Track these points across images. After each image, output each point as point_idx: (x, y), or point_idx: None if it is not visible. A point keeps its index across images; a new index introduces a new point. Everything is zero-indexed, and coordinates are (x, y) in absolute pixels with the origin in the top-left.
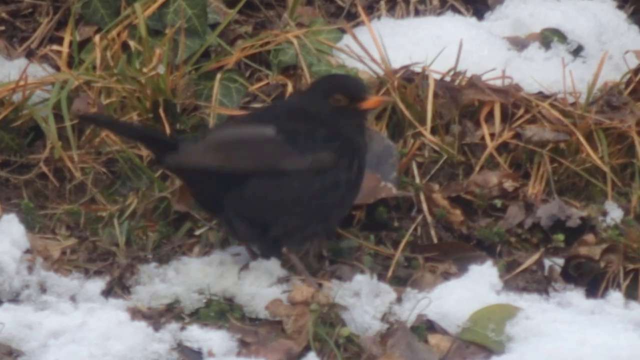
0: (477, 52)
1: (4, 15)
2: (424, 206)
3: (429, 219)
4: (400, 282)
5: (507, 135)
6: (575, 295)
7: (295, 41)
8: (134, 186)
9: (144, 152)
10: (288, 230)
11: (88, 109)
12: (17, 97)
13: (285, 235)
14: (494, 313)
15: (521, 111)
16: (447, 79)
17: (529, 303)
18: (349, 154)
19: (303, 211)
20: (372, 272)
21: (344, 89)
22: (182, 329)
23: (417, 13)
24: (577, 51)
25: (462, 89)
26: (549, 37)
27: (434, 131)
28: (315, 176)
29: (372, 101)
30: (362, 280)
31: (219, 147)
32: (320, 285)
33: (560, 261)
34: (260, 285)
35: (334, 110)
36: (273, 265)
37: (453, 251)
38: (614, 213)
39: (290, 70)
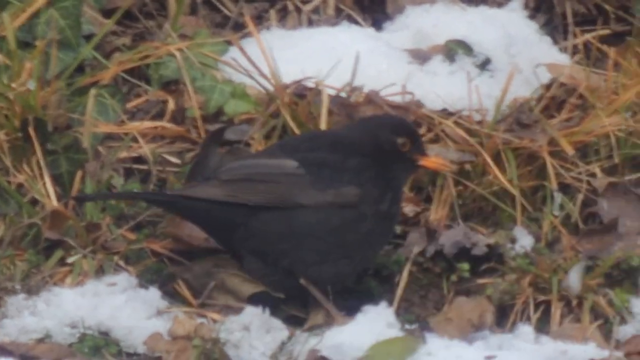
0: (376, 66)
1: None
2: None
3: None
4: (294, 318)
5: None
6: None
7: (177, 54)
8: (1, 211)
9: (12, 177)
10: (301, 263)
11: None
12: None
13: (299, 268)
14: (393, 347)
15: (423, 130)
16: (343, 94)
17: (431, 338)
18: (382, 190)
19: (319, 246)
20: (264, 306)
21: (413, 136)
22: None
23: (311, 23)
24: (484, 64)
25: (358, 106)
26: (454, 50)
27: None
28: (335, 210)
29: (431, 161)
30: (253, 313)
31: (230, 181)
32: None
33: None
34: (139, 318)
35: (391, 150)
36: (153, 296)
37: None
38: (524, 240)
39: (172, 85)
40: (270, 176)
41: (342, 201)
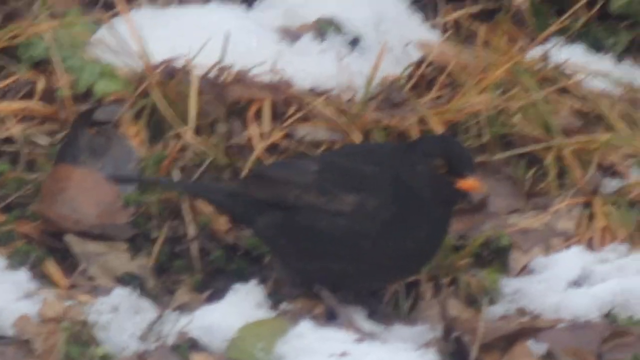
0: (246, 44)
1: None
2: (186, 214)
3: (191, 229)
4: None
5: (277, 135)
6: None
7: (47, 34)
8: None
9: None
10: (291, 265)
11: None
12: None
13: (291, 269)
14: (264, 328)
15: (293, 109)
16: (214, 73)
17: (300, 320)
18: (400, 208)
19: (310, 249)
20: (134, 287)
21: (450, 157)
22: None
23: (181, 2)
24: (355, 43)
25: (228, 85)
26: (324, 28)
27: (198, 131)
28: (330, 216)
29: (469, 184)
30: (122, 294)
31: (243, 178)
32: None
33: None
34: (8, 300)
35: (428, 173)
36: (22, 278)
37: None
38: None
39: (42, 65)
40: (278, 176)
41: (336, 208)
